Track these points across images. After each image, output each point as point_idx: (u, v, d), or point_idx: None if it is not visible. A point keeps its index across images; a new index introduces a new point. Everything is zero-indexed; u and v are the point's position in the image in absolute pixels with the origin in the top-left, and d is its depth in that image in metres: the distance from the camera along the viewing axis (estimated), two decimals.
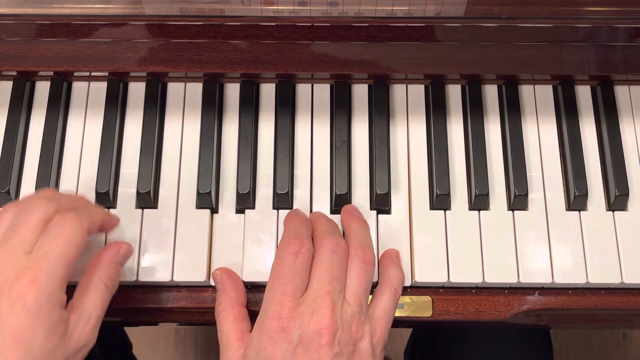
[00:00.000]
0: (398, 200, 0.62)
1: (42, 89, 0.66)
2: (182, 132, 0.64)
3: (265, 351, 0.52)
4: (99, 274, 0.53)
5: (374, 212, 0.61)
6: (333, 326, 0.51)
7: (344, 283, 0.54)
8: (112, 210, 0.61)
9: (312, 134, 0.64)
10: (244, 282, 0.59)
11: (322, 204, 0.62)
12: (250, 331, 0.55)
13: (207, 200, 0.61)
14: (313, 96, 0.66)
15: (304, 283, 0.54)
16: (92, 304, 0.52)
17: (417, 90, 0.66)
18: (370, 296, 0.57)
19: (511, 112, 0.64)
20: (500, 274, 0.59)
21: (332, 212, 0.62)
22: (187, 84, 0.66)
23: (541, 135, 0.64)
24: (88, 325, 0.51)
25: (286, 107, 0.64)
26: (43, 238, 0.49)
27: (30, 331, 0.46)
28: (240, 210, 0.61)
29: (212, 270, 0.59)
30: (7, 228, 0.50)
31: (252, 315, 0.60)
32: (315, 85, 0.66)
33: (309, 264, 0.55)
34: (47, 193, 0.54)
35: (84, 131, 0.64)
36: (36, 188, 0.61)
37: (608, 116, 0.64)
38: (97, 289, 0.52)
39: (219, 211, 0.61)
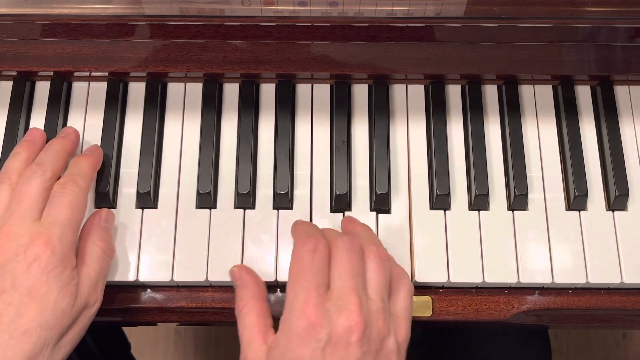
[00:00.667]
0: (398, 201, 0.62)
1: (42, 89, 0.66)
2: (182, 132, 0.64)
3: (293, 351, 0.51)
4: (91, 240, 0.57)
5: (374, 212, 0.61)
6: (362, 323, 0.51)
7: (364, 279, 0.54)
8: (112, 211, 0.61)
9: (312, 134, 0.64)
10: None
11: (322, 204, 0.62)
12: (273, 327, 0.54)
13: (207, 200, 0.61)
14: (313, 96, 0.66)
15: (325, 279, 0.53)
16: (91, 269, 0.55)
17: (417, 90, 0.66)
18: None
19: (511, 112, 0.64)
20: (500, 274, 0.59)
21: (332, 211, 0.62)
22: (187, 84, 0.66)
23: (541, 136, 0.64)
24: (92, 288, 0.55)
25: (286, 107, 0.64)
26: (49, 206, 0.55)
27: (45, 288, 0.51)
28: (240, 210, 0.61)
29: (208, 274, 0.59)
30: (10, 199, 0.55)
31: None
32: (315, 85, 0.66)
33: (327, 260, 0.54)
34: (24, 155, 0.58)
35: (83, 131, 0.64)
36: None
37: (608, 116, 0.64)
38: (92, 255, 0.56)
39: (219, 211, 0.61)
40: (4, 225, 0.53)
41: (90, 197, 0.61)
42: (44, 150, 0.59)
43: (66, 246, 0.54)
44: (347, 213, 0.61)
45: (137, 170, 0.62)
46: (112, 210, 0.61)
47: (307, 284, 0.52)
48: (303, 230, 0.56)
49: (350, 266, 0.53)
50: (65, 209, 0.54)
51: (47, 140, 0.61)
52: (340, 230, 0.59)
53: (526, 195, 0.61)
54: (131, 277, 0.59)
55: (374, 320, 0.52)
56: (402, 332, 0.54)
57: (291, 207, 0.61)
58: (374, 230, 0.61)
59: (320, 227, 0.59)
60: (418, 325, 0.58)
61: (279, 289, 0.61)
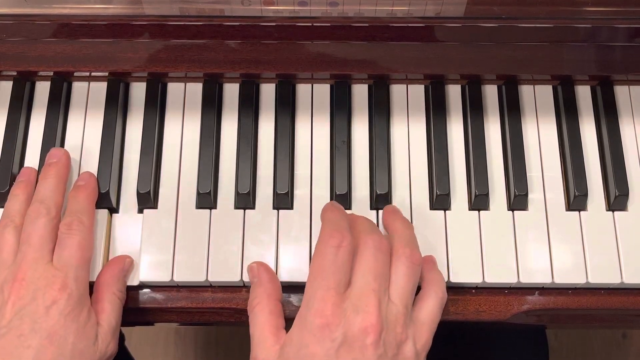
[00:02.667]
0: (398, 201, 0.62)
1: (42, 89, 0.66)
2: (182, 132, 0.64)
3: (307, 349, 0.50)
4: (111, 289, 0.57)
5: (374, 212, 0.61)
6: (379, 325, 0.50)
7: (388, 281, 0.53)
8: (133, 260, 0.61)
9: (312, 134, 0.64)
10: (243, 282, 0.59)
11: (323, 204, 0.61)
12: (285, 328, 0.54)
13: (207, 200, 0.61)
14: (313, 96, 0.66)
15: (347, 277, 0.52)
16: (113, 318, 0.57)
17: (417, 90, 0.66)
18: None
19: (511, 112, 0.64)
20: (500, 274, 0.59)
21: None
22: (187, 84, 0.66)
23: (541, 135, 0.64)
24: (113, 338, 0.56)
25: (286, 107, 0.64)
26: (60, 248, 0.55)
27: (62, 331, 0.52)
28: (240, 210, 0.61)
29: (208, 274, 0.59)
30: (17, 242, 0.56)
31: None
32: (315, 85, 0.66)
33: (351, 258, 0.53)
34: (23, 196, 0.59)
35: (84, 131, 0.64)
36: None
37: (608, 116, 0.64)
38: (113, 304, 0.57)
39: (219, 211, 0.61)
40: (19, 270, 0.54)
41: None
42: (41, 183, 0.59)
43: (81, 287, 0.55)
44: (347, 212, 0.61)
45: (137, 170, 0.62)
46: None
47: (327, 282, 0.51)
48: (332, 222, 0.55)
49: (374, 266, 0.52)
50: (75, 251, 0.55)
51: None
52: (374, 224, 0.58)
53: (526, 195, 0.61)
54: (131, 278, 0.59)
55: (392, 324, 0.51)
56: (422, 339, 0.53)
57: (291, 207, 0.61)
58: None
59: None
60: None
61: None
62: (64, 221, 0.57)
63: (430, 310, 0.55)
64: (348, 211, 0.61)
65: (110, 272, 0.58)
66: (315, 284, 0.52)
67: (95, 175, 0.61)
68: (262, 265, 0.58)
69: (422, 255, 0.57)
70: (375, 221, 0.61)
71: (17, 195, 0.59)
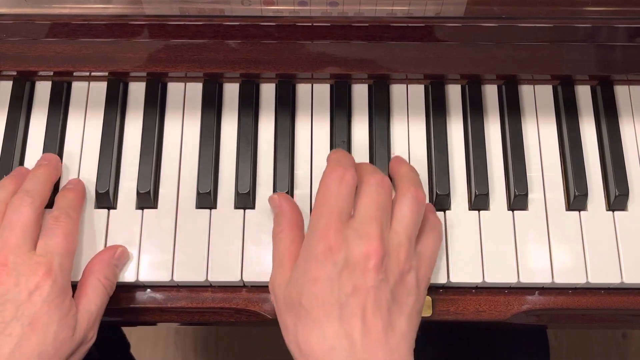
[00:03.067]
0: None
1: (42, 89, 0.66)
2: (182, 132, 0.64)
3: (310, 273, 0.51)
4: (96, 275, 0.56)
5: None
6: (381, 250, 0.51)
7: (390, 215, 0.54)
8: (111, 211, 0.61)
9: (312, 134, 0.64)
10: (243, 282, 0.59)
11: None
12: None
13: (207, 200, 0.61)
14: (313, 96, 0.66)
15: (350, 207, 0.54)
16: (93, 304, 0.55)
17: (417, 90, 0.66)
18: None
19: (511, 112, 0.64)
20: (500, 274, 0.59)
21: None
22: (187, 84, 0.66)
23: (541, 135, 0.64)
24: (90, 324, 0.55)
25: (286, 107, 0.64)
26: (45, 237, 0.55)
27: (46, 319, 0.52)
28: (240, 210, 0.61)
29: (208, 274, 0.59)
30: (2, 228, 0.55)
31: (255, 315, 0.60)
32: (315, 85, 0.66)
33: (353, 191, 0.54)
34: (11, 186, 0.58)
35: (83, 131, 0.64)
36: None
37: (608, 116, 0.64)
38: (95, 290, 0.56)
39: (219, 211, 0.61)
40: (0, 255, 0.53)
41: (90, 197, 0.61)
42: (30, 178, 0.59)
43: (66, 276, 0.54)
44: None
45: (137, 170, 0.62)
46: (113, 210, 0.61)
47: (330, 209, 0.53)
48: (335, 159, 0.57)
49: (377, 199, 0.53)
50: (62, 240, 0.55)
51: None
52: (377, 168, 0.59)
53: (526, 195, 0.61)
54: (131, 277, 0.59)
55: (395, 253, 0.52)
56: (421, 270, 0.54)
57: None
58: None
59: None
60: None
61: None
62: (51, 214, 0.57)
63: (430, 245, 0.56)
64: None
65: (99, 258, 0.57)
66: (319, 212, 0.53)
67: (96, 174, 0.62)
68: (282, 195, 0.59)
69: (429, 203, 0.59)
70: None
71: (5, 185, 0.59)
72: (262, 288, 0.60)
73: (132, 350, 0.99)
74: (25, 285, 0.52)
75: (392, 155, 0.63)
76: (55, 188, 0.61)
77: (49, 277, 0.52)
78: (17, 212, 0.55)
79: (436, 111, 0.64)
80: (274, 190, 0.61)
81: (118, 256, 0.58)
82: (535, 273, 0.59)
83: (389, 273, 0.51)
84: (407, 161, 0.61)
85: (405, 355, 0.51)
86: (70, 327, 0.53)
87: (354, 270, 0.50)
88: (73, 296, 0.55)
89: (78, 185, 0.61)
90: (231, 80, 0.66)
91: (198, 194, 0.61)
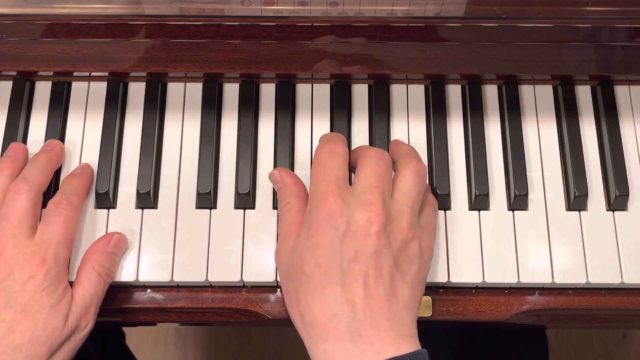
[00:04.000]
0: None
1: (42, 89, 0.66)
2: (182, 132, 0.64)
3: (312, 239, 0.51)
4: (91, 263, 0.57)
5: None
6: (383, 216, 0.51)
7: (391, 186, 0.54)
8: (111, 211, 0.61)
9: (312, 134, 0.64)
10: (244, 282, 0.59)
11: None
12: None
13: (207, 200, 0.61)
14: (313, 96, 0.66)
15: (345, 175, 0.54)
16: (86, 292, 0.56)
17: (417, 90, 0.66)
18: None
19: (511, 112, 0.64)
20: (500, 274, 0.59)
21: None
22: (187, 84, 0.66)
23: (541, 135, 0.64)
24: (87, 313, 0.55)
25: (286, 107, 0.64)
26: (44, 225, 0.55)
27: (37, 306, 0.52)
28: (240, 210, 0.61)
29: (208, 274, 0.59)
30: None
31: (255, 315, 0.60)
32: (315, 85, 0.66)
33: (346, 161, 0.55)
34: (8, 171, 0.58)
35: (83, 131, 0.64)
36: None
37: (608, 116, 0.64)
38: (90, 278, 0.56)
39: (219, 211, 0.61)
40: None
41: (91, 197, 0.61)
42: (30, 164, 0.59)
43: (60, 264, 0.55)
44: None
45: (137, 170, 0.62)
46: (113, 210, 0.61)
47: (327, 177, 0.53)
48: (325, 138, 0.58)
49: (377, 170, 0.54)
50: (59, 228, 0.55)
51: (29, 154, 0.61)
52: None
53: (526, 195, 0.61)
54: (131, 277, 0.59)
55: (397, 220, 0.52)
56: (425, 240, 0.54)
57: None
58: None
59: None
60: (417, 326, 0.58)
61: (279, 289, 0.61)
62: (53, 199, 0.57)
63: (429, 218, 0.56)
64: None
65: (94, 246, 0.58)
66: (316, 182, 0.54)
67: (95, 174, 0.61)
68: (283, 169, 0.59)
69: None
70: None
71: (1, 169, 0.58)
72: (262, 288, 0.60)
73: (132, 350, 0.99)
74: (20, 274, 0.53)
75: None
76: (57, 174, 0.62)
77: (43, 267, 0.53)
78: (13, 200, 0.56)
79: (436, 111, 0.64)
80: (274, 190, 0.61)
81: (114, 243, 0.58)
82: (536, 273, 0.59)
83: (391, 239, 0.51)
84: (404, 142, 0.62)
85: (406, 324, 0.51)
86: (62, 314, 0.53)
87: (355, 235, 0.50)
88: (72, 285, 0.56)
89: (86, 171, 0.61)
90: (231, 80, 0.66)
91: (198, 194, 0.61)
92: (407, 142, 0.64)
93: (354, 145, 0.64)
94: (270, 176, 0.60)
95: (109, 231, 0.60)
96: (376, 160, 0.54)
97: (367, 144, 0.64)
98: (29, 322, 0.52)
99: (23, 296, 0.52)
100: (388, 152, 0.60)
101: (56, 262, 0.54)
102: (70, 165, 0.63)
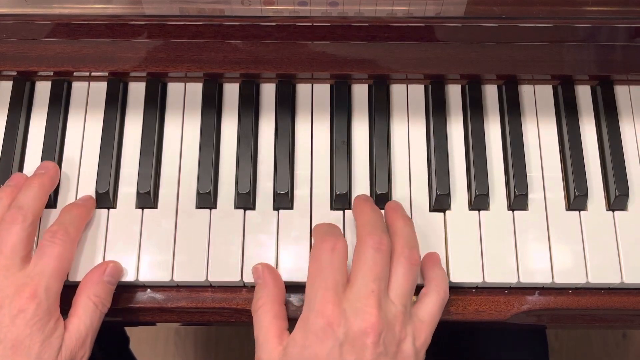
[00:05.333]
0: (398, 200, 0.62)
1: (42, 89, 0.66)
2: (182, 132, 0.64)
3: (310, 349, 0.51)
4: (87, 293, 0.56)
5: None
6: (379, 326, 0.51)
7: (387, 281, 0.54)
8: (111, 211, 0.61)
9: (312, 134, 0.64)
10: (244, 282, 0.59)
11: (323, 204, 0.62)
12: (289, 330, 0.54)
13: (207, 200, 0.61)
14: (313, 96, 0.66)
15: (344, 278, 0.53)
16: (82, 323, 0.55)
17: (417, 90, 0.66)
18: (414, 297, 0.57)
19: (511, 112, 0.64)
20: (500, 274, 0.59)
21: (332, 210, 0.62)
22: (187, 84, 0.66)
23: (541, 135, 0.64)
24: (82, 345, 0.54)
25: (286, 107, 0.64)
26: (38, 256, 0.54)
27: (28, 341, 0.51)
28: (240, 210, 0.61)
29: (208, 274, 0.59)
30: None
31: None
32: (315, 85, 0.66)
33: (347, 259, 0.54)
34: (7, 200, 0.57)
35: (84, 131, 0.64)
36: None
37: (608, 116, 0.64)
38: (86, 309, 0.55)
39: (219, 211, 0.61)
40: None
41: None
42: (23, 190, 0.58)
43: (51, 298, 0.53)
44: (347, 212, 0.61)
45: (137, 170, 0.62)
46: (113, 210, 0.61)
47: (325, 283, 0.52)
48: (323, 231, 0.56)
49: (374, 268, 0.53)
50: (53, 260, 0.54)
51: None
52: (378, 217, 0.58)
53: (526, 195, 0.61)
54: (131, 277, 0.59)
55: (392, 325, 0.52)
56: (421, 337, 0.54)
57: (291, 207, 0.61)
58: None
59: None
60: None
61: None
62: (50, 229, 0.56)
63: (430, 308, 0.55)
64: (348, 212, 0.61)
65: (90, 276, 0.57)
66: (315, 286, 0.53)
67: (96, 174, 0.62)
68: (267, 267, 0.58)
69: (427, 253, 0.58)
70: None
71: (0, 198, 0.58)
72: None
73: (132, 350, 0.99)
74: (9, 308, 0.52)
75: (392, 155, 0.63)
76: (56, 191, 0.61)
77: (33, 301, 0.52)
78: (7, 231, 0.55)
79: (436, 111, 0.64)
80: (274, 190, 0.61)
81: (109, 272, 0.57)
82: (536, 273, 0.59)
83: (387, 345, 0.51)
84: (402, 209, 0.60)
85: None
86: (54, 348, 0.53)
87: (353, 346, 0.50)
88: (68, 315, 0.55)
89: (87, 202, 0.60)
90: (231, 80, 0.66)
91: (198, 194, 0.61)
92: (405, 143, 0.64)
93: (354, 146, 0.64)
94: (253, 270, 0.58)
95: (109, 231, 0.60)
96: (374, 255, 0.54)
97: (367, 143, 0.64)
98: (19, 359, 0.51)
99: (13, 331, 0.51)
100: (384, 215, 0.59)
101: (47, 295, 0.53)
102: (71, 166, 0.63)
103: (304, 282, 0.57)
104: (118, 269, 0.58)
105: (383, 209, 0.61)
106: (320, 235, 0.56)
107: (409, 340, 0.53)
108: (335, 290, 0.52)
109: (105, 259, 0.59)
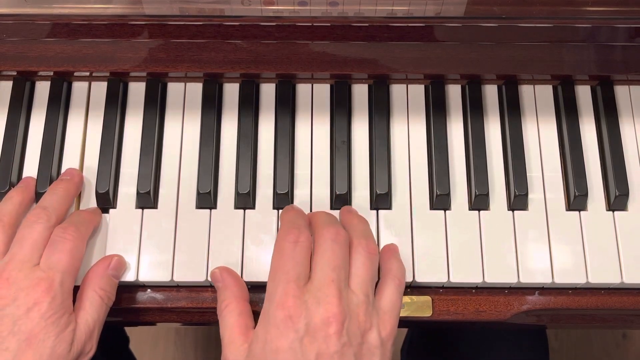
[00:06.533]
0: (398, 201, 0.62)
1: (42, 89, 0.66)
2: (182, 132, 0.64)
3: (272, 343, 0.51)
4: (92, 287, 0.56)
5: (374, 212, 0.61)
6: (341, 315, 0.50)
7: (347, 272, 0.54)
8: (111, 211, 0.61)
9: (312, 134, 0.64)
10: (244, 282, 0.59)
11: (322, 204, 0.62)
12: (255, 327, 0.54)
13: (207, 200, 0.61)
14: (313, 96, 0.66)
15: (306, 271, 0.53)
16: (90, 316, 0.55)
17: (417, 90, 0.66)
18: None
19: (511, 112, 0.64)
20: (500, 274, 0.59)
21: (332, 209, 0.61)
22: (187, 84, 0.66)
23: (541, 135, 0.64)
24: (90, 338, 0.55)
25: (286, 107, 0.64)
26: (50, 251, 0.55)
27: (42, 335, 0.52)
28: (240, 210, 0.61)
29: (208, 274, 0.59)
30: (4, 241, 0.56)
31: (255, 315, 0.60)
32: (315, 85, 0.66)
33: (309, 253, 0.54)
34: (17, 198, 0.58)
35: (84, 131, 0.64)
36: (36, 188, 0.61)
37: (608, 116, 0.64)
38: (92, 302, 0.56)
39: (219, 211, 0.61)
40: (4, 269, 0.53)
41: (90, 197, 0.61)
42: (50, 193, 0.59)
43: (66, 292, 0.54)
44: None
45: (137, 170, 0.62)
46: (113, 210, 0.61)
47: (287, 276, 0.52)
48: (288, 221, 0.56)
49: (333, 258, 0.53)
50: (66, 256, 0.54)
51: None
52: (332, 216, 0.59)
53: (526, 195, 0.61)
54: (131, 277, 0.59)
55: (354, 314, 0.52)
56: (387, 328, 0.53)
57: None
58: (375, 230, 0.60)
59: None
60: (417, 326, 0.58)
61: None
62: (60, 225, 0.56)
63: (390, 298, 0.55)
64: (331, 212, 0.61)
65: (95, 269, 0.57)
66: (276, 278, 0.53)
67: (96, 174, 0.62)
68: (224, 269, 0.58)
69: (385, 245, 0.59)
70: (375, 222, 0.61)
71: (11, 197, 0.59)
72: (262, 288, 0.60)
73: (133, 350, 0.99)
74: (24, 300, 0.52)
75: (392, 155, 0.63)
76: None
77: (48, 294, 0.52)
78: (30, 227, 0.55)
79: (436, 111, 0.64)
80: (274, 190, 0.61)
81: (113, 266, 0.58)
82: (535, 273, 0.59)
83: (351, 335, 0.51)
84: (356, 212, 0.60)
85: None
86: (67, 342, 0.53)
87: (315, 337, 0.50)
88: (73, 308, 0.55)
89: (96, 211, 0.60)
90: (231, 80, 0.66)
91: (198, 194, 0.61)
92: (406, 143, 0.64)
93: (354, 146, 0.64)
94: (211, 275, 0.58)
95: (109, 231, 0.60)
96: (332, 246, 0.54)
97: (367, 143, 0.64)
98: (33, 352, 0.51)
99: (27, 324, 0.51)
100: (339, 217, 0.60)
101: (62, 290, 0.53)
102: (70, 166, 0.62)
103: None
104: (122, 263, 0.59)
105: (383, 209, 0.61)
106: (285, 226, 0.56)
107: (374, 330, 0.52)
108: (296, 283, 0.52)
109: None
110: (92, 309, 0.56)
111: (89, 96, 0.65)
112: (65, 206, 0.59)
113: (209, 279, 0.59)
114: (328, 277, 0.52)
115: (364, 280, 0.54)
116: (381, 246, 0.60)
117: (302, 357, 0.50)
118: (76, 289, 0.56)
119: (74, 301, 0.56)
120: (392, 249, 0.59)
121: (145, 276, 0.59)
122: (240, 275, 0.59)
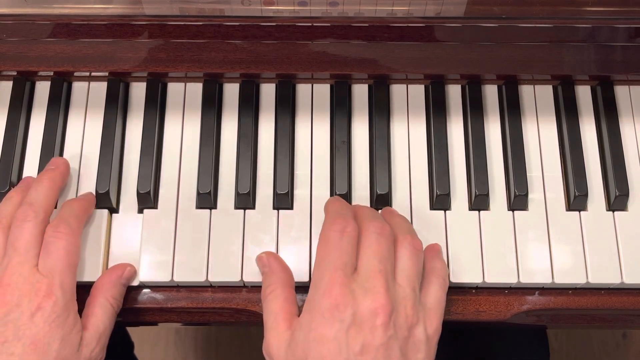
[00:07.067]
0: (398, 201, 0.62)
1: (42, 89, 0.66)
2: (182, 132, 0.64)
3: (316, 331, 0.50)
4: (104, 294, 0.57)
5: None
6: (388, 306, 0.50)
7: (393, 265, 0.53)
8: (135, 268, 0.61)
9: (312, 134, 0.64)
10: (244, 282, 0.59)
11: (323, 204, 0.61)
12: (299, 315, 0.53)
13: (207, 200, 0.61)
14: (313, 96, 0.66)
15: (352, 260, 0.52)
16: (101, 323, 0.56)
17: (417, 90, 0.66)
18: None
19: (511, 112, 0.64)
20: (500, 274, 0.59)
21: None
22: (187, 84, 0.66)
23: (541, 135, 0.64)
24: (99, 343, 0.55)
25: (286, 107, 0.64)
26: (45, 253, 0.54)
27: (47, 339, 0.51)
28: (240, 210, 0.61)
29: (208, 274, 0.59)
30: (4, 245, 0.55)
31: (255, 315, 0.60)
32: (315, 85, 0.66)
33: (355, 243, 0.53)
34: (17, 198, 0.57)
35: (84, 131, 0.64)
36: None
37: (608, 116, 0.64)
38: (104, 309, 0.56)
39: (219, 211, 0.61)
40: (4, 274, 0.53)
41: None
42: (34, 187, 0.58)
43: (68, 293, 0.54)
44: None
45: (137, 171, 0.62)
46: (114, 214, 0.61)
47: (334, 264, 0.51)
48: (334, 211, 0.56)
49: (379, 250, 0.52)
50: (61, 256, 0.54)
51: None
52: (376, 211, 0.58)
53: (526, 195, 0.61)
54: None
55: (402, 307, 0.51)
56: (433, 324, 0.53)
57: (291, 207, 0.61)
58: None
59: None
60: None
61: None
62: (51, 224, 0.56)
63: (435, 294, 0.55)
64: None
65: (108, 277, 0.57)
66: (322, 267, 0.52)
67: (96, 175, 0.62)
68: (271, 254, 0.58)
69: (428, 244, 0.59)
70: None
71: (11, 197, 0.58)
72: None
73: (134, 351, 0.99)
74: (27, 306, 0.52)
75: (392, 155, 0.63)
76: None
77: (50, 298, 0.52)
78: (20, 227, 0.55)
79: (436, 111, 0.64)
80: (274, 190, 0.61)
81: (126, 276, 0.58)
82: (536, 273, 0.59)
83: (397, 328, 0.50)
84: (396, 211, 0.60)
85: None
86: (74, 344, 0.53)
87: (361, 328, 0.49)
88: (83, 314, 0.55)
89: (87, 196, 0.60)
90: (231, 80, 0.66)
91: (198, 194, 0.61)
92: (406, 143, 0.64)
93: (354, 146, 0.64)
94: (257, 259, 0.58)
95: (109, 231, 0.60)
96: (377, 238, 0.53)
97: (367, 143, 0.64)
98: (39, 356, 0.51)
99: (32, 328, 0.51)
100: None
101: (63, 292, 0.53)
102: (71, 166, 0.62)
103: (305, 282, 0.57)
104: (134, 273, 0.59)
105: (382, 209, 0.61)
106: (331, 215, 0.55)
107: (420, 325, 0.52)
108: (343, 271, 0.51)
109: (106, 259, 0.59)
110: (104, 316, 0.56)
111: (88, 96, 0.65)
112: (52, 198, 0.58)
113: (209, 279, 0.59)
114: (375, 267, 0.51)
115: (411, 275, 0.53)
116: None
117: (346, 348, 0.49)
118: (78, 287, 0.56)
119: (81, 302, 0.56)
120: (435, 248, 0.59)
121: (145, 276, 0.59)
122: (240, 275, 0.59)
